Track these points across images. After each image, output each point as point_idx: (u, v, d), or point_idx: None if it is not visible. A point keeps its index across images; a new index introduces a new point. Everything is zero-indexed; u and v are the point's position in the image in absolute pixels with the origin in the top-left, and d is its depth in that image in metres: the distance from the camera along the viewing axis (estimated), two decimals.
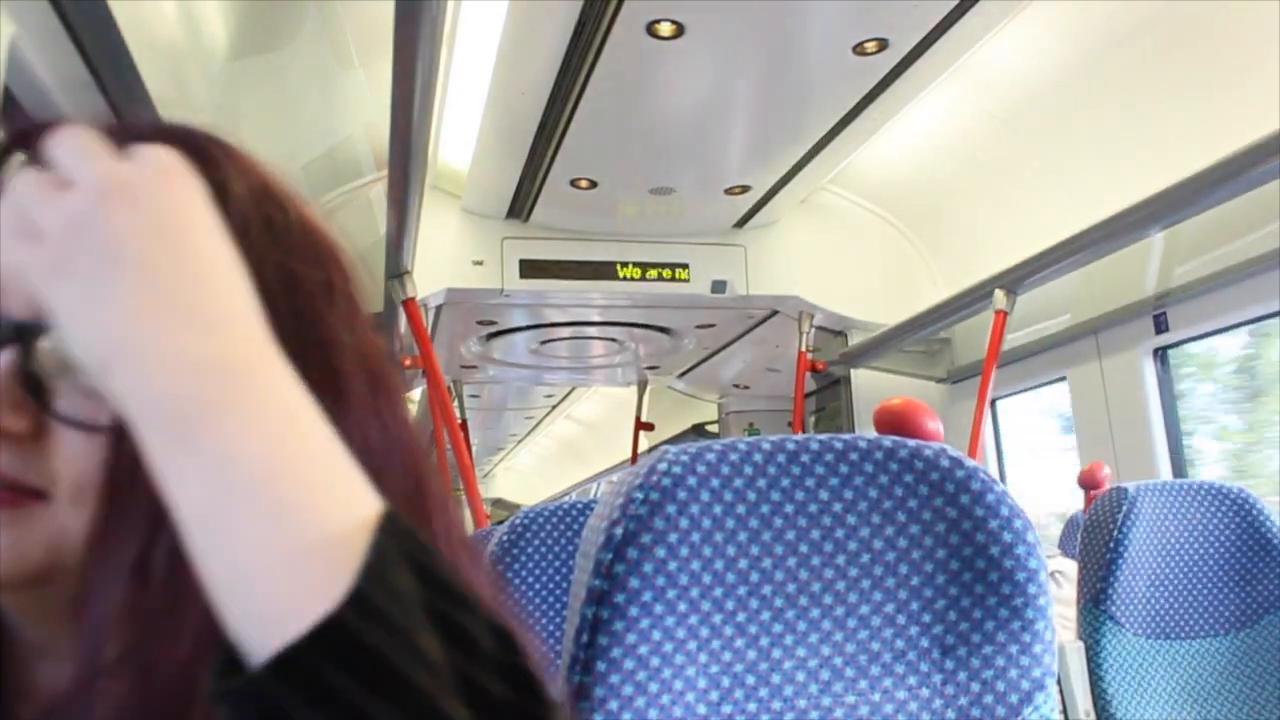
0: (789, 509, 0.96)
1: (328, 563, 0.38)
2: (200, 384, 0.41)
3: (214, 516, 0.39)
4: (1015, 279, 4.14)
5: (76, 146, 0.46)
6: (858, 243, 5.48)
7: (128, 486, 0.48)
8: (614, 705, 0.89)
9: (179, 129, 0.60)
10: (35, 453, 0.51)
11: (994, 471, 5.12)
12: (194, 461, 0.40)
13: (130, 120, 0.59)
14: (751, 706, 0.94)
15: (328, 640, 0.36)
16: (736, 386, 7.58)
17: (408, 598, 0.39)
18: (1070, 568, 3.13)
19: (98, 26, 2.08)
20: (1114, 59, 3.70)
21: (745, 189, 4.75)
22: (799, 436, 0.99)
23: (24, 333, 0.50)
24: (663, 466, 0.93)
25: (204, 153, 0.57)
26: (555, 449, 12.90)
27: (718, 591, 0.93)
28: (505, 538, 2.08)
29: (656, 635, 0.91)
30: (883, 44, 3.35)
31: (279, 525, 0.39)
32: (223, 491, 0.39)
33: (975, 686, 0.98)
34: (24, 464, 0.50)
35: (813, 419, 6.60)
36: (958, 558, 0.98)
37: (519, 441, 13.04)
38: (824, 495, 0.97)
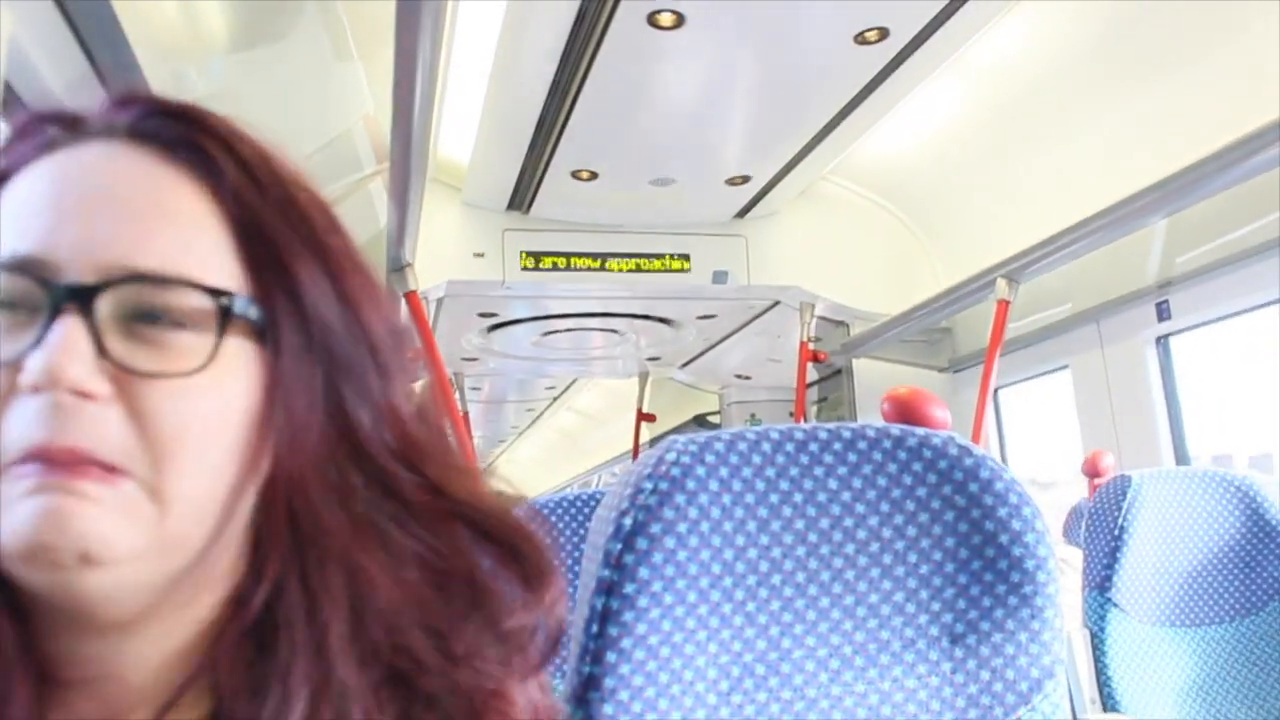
0: (797, 498, 0.96)
1: None
2: None
3: None
4: (1017, 268, 4.13)
5: None
6: (859, 233, 5.47)
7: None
8: (624, 695, 0.89)
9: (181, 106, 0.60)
10: (115, 419, 0.51)
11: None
12: None
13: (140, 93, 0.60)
14: (761, 696, 0.94)
15: None
16: (738, 377, 7.57)
17: None
18: (1074, 556, 3.13)
19: (97, 19, 2.07)
20: (1115, 47, 3.69)
21: (746, 179, 4.74)
22: (806, 425, 0.99)
23: (85, 294, 0.51)
24: (671, 456, 0.93)
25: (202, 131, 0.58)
26: (558, 440, 12.90)
27: (727, 581, 0.93)
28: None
29: (666, 625, 0.91)
30: (883, 33, 3.34)
31: None
32: None
33: (985, 674, 0.98)
34: (106, 433, 0.50)
35: (815, 409, 6.60)
36: (966, 545, 0.98)
37: (520, 434, 13.03)
38: (832, 484, 0.97)
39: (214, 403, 0.53)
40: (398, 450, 0.58)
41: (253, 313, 0.54)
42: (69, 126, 0.58)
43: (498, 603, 0.60)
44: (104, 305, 0.51)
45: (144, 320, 0.52)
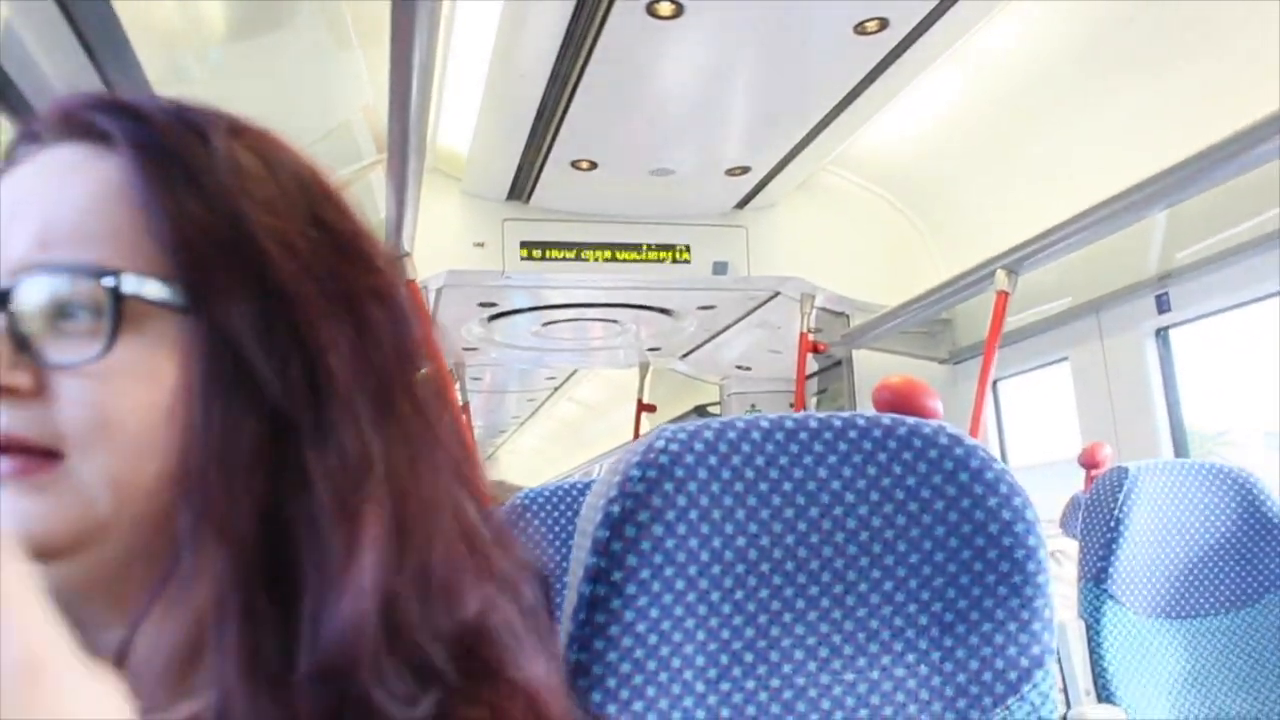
0: (786, 487, 0.96)
1: None
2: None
3: None
4: (1017, 259, 4.13)
5: None
6: (859, 224, 5.47)
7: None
8: (612, 682, 0.89)
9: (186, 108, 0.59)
10: (40, 411, 0.51)
11: (995, 452, 5.12)
12: None
13: (141, 96, 0.59)
14: (750, 684, 0.94)
15: None
16: (738, 368, 7.58)
17: None
18: (1071, 547, 3.13)
19: (94, 8, 2.07)
20: (1116, 37, 3.69)
21: (746, 170, 4.74)
22: (796, 414, 0.99)
23: (3, 296, 0.51)
24: (660, 444, 0.93)
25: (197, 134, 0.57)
26: (558, 431, 12.91)
27: (715, 569, 0.93)
28: (505, 518, 2.08)
29: (654, 612, 0.91)
30: (883, 23, 3.34)
31: None
32: None
33: (974, 664, 0.98)
34: (32, 423, 0.51)
35: (814, 400, 6.60)
36: (956, 535, 0.98)
37: (521, 424, 13.05)
38: (821, 473, 0.97)
39: (135, 386, 0.52)
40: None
41: (156, 292, 0.53)
42: (30, 139, 0.58)
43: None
44: (20, 303, 0.52)
45: (60, 314, 0.52)
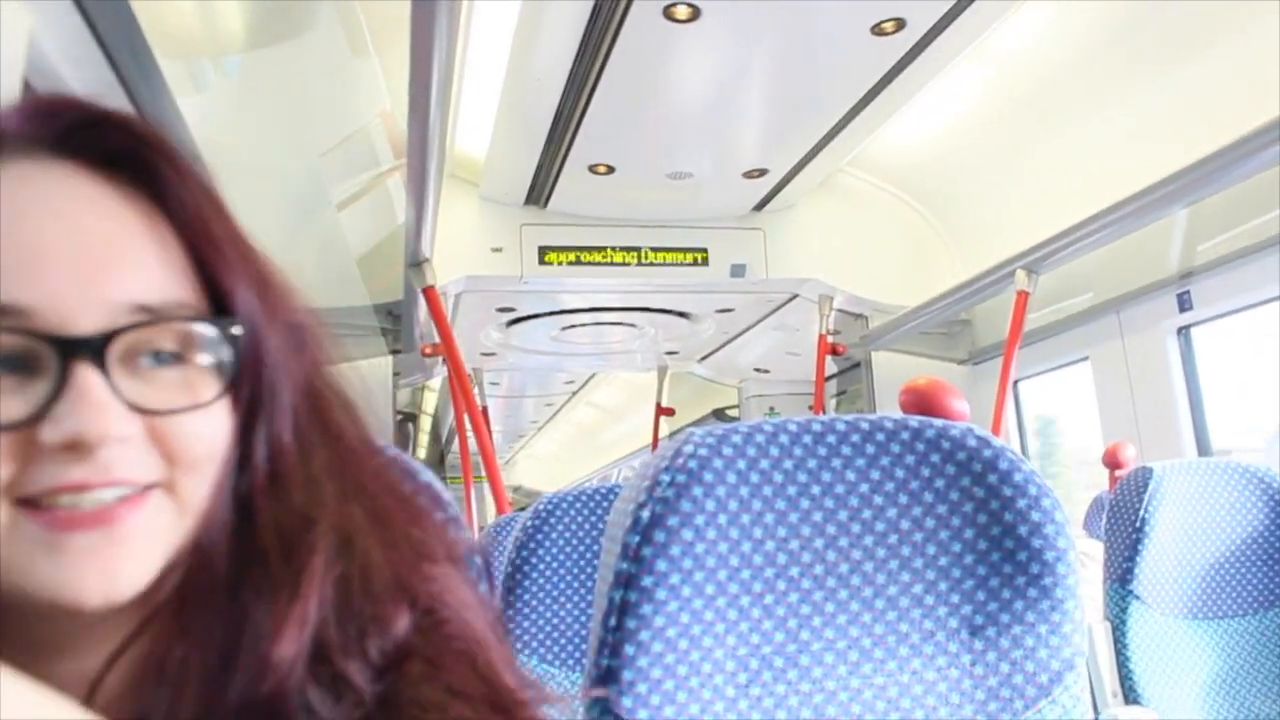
0: (815, 490, 0.96)
1: None
2: None
3: None
4: (1036, 259, 4.11)
5: None
6: (877, 225, 5.46)
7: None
8: (642, 688, 0.89)
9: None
10: (147, 450, 0.53)
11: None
12: None
13: (152, 124, 0.59)
14: (780, 689, 0.94)
15: None
16: (757, 371, 7.57)
17: None
18: (1095, 549, 3.12)
19: (116, 18, 2.08)
20: (1136, 32, 3.67)
21: (763, 172, 4.74)
22: (824, 417, 0.98)
23: (102, 343, 0.51)
24: (689, 449, 0.93)
25: None
26: (576, 435, 12.92)
27: (744, 574, 0.93)
28: (529, 524, 2.09)
29: (684, 618, 0.90)
30: (900, 23, 3.33)
31: None
32: None
33: (1004, 667, 0.97)
34: (135, 465, 0.52)
35: (834, 402, 6.59)
36: (985, 537, 0.98)
37: (540, 429, 13.06)
38: (850, 476, 0.97)
39: (219, 420, 0.55)
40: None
41: (238, 332, 0.56)
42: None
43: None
44: (114, 350, 0.52)
45: (153, 358, 0.54)
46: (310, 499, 0.57)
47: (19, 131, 0.55)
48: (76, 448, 0.49)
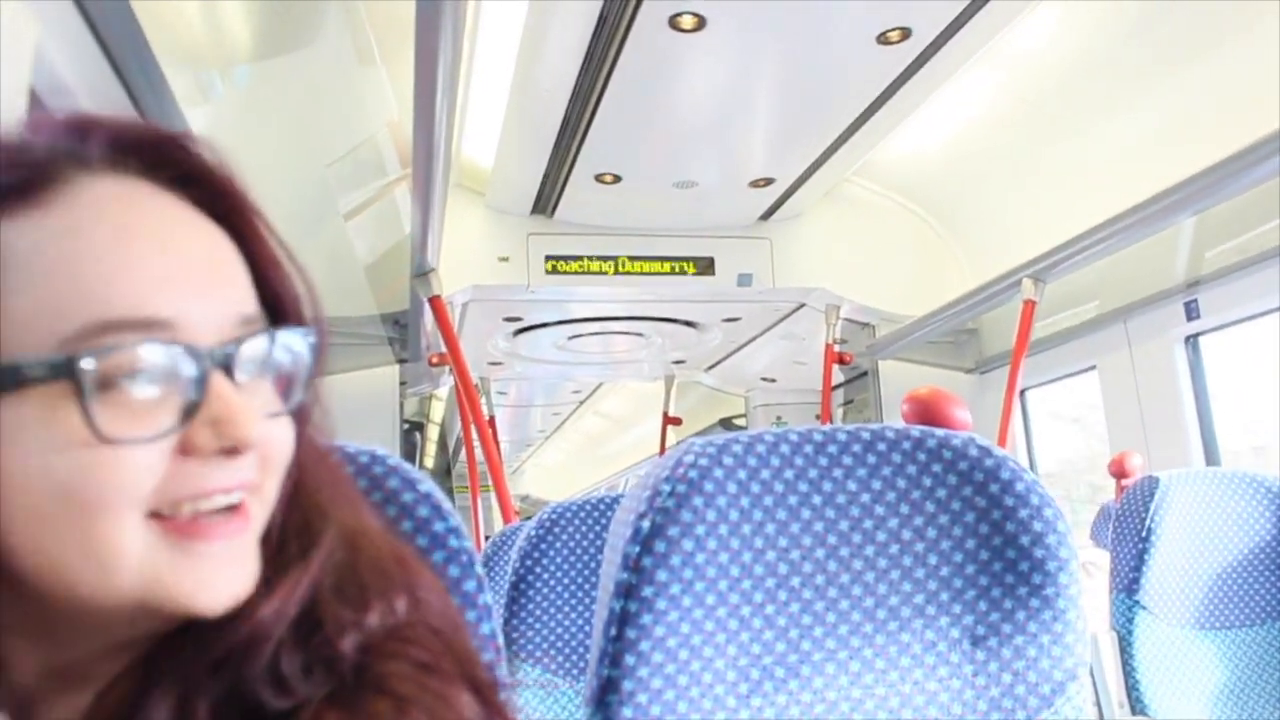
0: (816, 500, 0.96)
1: None
2: None
3: None
4: (1043, 268, 4.10)
5: None
6: (884, 234, 5.46)
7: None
8: (643, 698, 0.89)
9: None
10: (253, 454, 0.55)
11: (1024, 462, 5.08)
12: None
13: (163, 129, 0.60)
14: (781, 699, 0.93)
15: None
16: (764, 380, 7.56)
17: None
18: (1101, 558, 3.11)
19: (122, 28, 2.09)
20: (1143, 39, 3.66)
21: (769, 181, 4.74)
22: (825, 427, 0.98)
23: (230, 353, 0.53)
24: (689, 459, 0.93)
25: None
26: (584, 444, 12.91)
27: (745, 584, 0.93)
28: (534, 533, 2.09)
29: (685, 628, 0.90)
30: (906, 33, 3.33)
31: None
32: None
33: (1007, 677, 0.97)
34: (252, 467, 0.55)
35: (841, 411, 6.58)
36: (987, 547, 0.98)
37: (547, 438, 13.06)
38: (851, 486, 0.97)
39: (290, 426, 0.59)
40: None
41: (314, 341, 0.60)
42: (77, 158, 0.55)
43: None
44: (241, 359, 0.54)
45: (263, 365, 0.56)
46: (327, 497, 0.61)
47: (102, 150, 0.56)
48: (231, 452, 0.52)
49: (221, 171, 0.58)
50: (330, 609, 0.57)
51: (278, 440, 0.56)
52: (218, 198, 0.58)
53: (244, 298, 0.56)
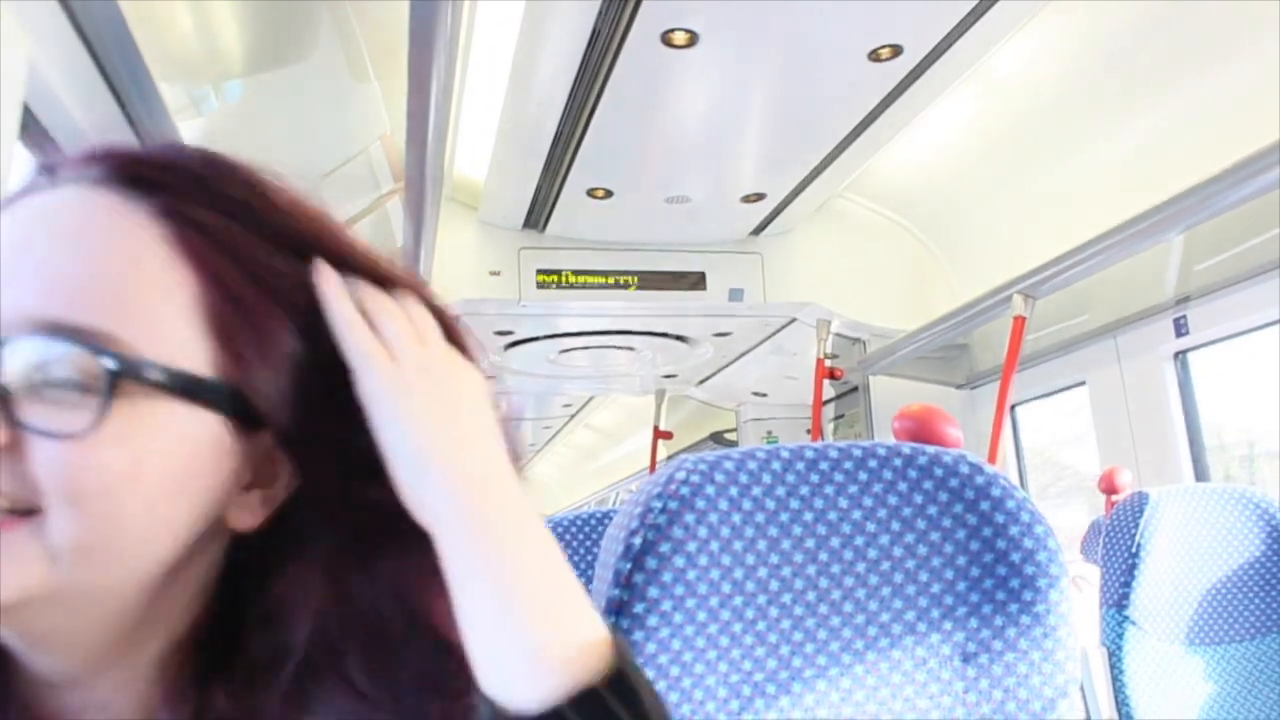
0: (807, 517, 0.96)
1: (588, 660, 0.54)
2: (484, 495, 0.60)
3: (504, 623, 0.54)
4: (1034, 283, 4.11)
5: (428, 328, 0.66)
6: (875, 249, 5.47)
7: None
8: None
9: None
10: (16, 467, 0.50)
11: (1014, 478, 5.09)
12: (487, 566, 0.56)
13: (170, 146, 0.60)
14: (772, 716, 0.93)
15: (610, 686, 0.52)
16: (755, 394, 7.56)
17: (642, 685, 0.55)
18: (1092, 573, 3.11)
19: (116, 42, 2.09)
20: (1131, 58, 3.68)
21: (761, 197, 4.75)
22: (817, 444, 0.99)
23: None
24: (681, 475, 0.93)
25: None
26: (575, 458, 12.89)
27: (737, 600, 0.93)
28: None
29: (676, 645, 0.90)
30: (897, 50, 3.34)
31: (556, 634, 0.54)
32: (511, 604, 0.55)
33: (998, 694, 0.97)
34: (9, 479, 0.50)
35: (831, 426, 6.58)
36: (978, 564, 0.98)
37: (538, 451, 13.04)
38: (843, 503, 0.97)
39: (116, 457, 0.51)
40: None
41: (158, 375, 0.52)
42: (49, 171, 0.57)
43: None
44: (10, 361, 0.50)
45: (48, 380, 0.51)
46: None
47: (70, 165, 0.57)
48: None
49: (179, 179, 0.57)
50: (337, 624, 0.60)
51: (43, 461, 0.50)
52: (171, 213, 0.55)
53: (60, 303, 0.51)
